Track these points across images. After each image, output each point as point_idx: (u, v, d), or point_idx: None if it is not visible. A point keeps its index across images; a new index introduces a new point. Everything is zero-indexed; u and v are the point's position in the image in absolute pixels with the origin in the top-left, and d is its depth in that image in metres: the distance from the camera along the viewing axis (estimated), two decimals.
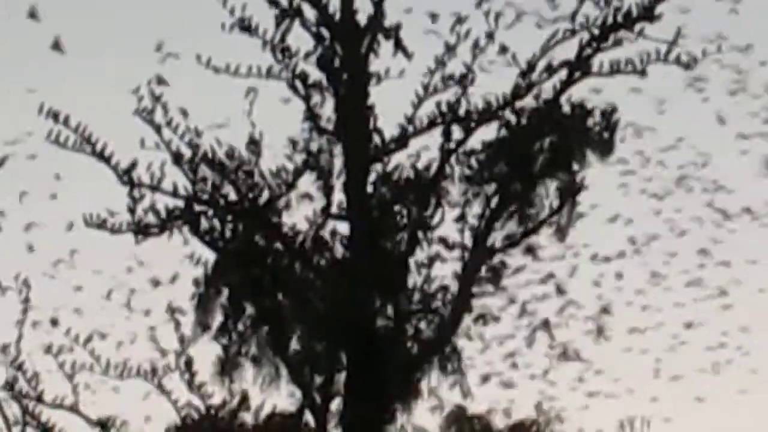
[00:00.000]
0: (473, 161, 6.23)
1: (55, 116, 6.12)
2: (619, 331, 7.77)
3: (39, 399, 6.25)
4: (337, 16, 6.22)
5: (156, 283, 7.19)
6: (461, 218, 6.23)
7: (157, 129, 6.18)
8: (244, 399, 6.35)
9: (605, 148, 6.29)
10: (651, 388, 7.71)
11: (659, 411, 6.29)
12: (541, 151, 6.23)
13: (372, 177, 6.21)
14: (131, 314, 6.97)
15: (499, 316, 6.53)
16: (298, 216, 6.26)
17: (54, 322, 6.37)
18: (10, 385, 6.20)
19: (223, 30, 6.23)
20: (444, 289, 6.22)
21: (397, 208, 6.19)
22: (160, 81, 6.16)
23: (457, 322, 6.19)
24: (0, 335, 6.25)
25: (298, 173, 6.25)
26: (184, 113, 6.07)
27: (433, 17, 6.31)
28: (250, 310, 6.21)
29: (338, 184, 6.25)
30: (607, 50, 6.18)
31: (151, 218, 6.19)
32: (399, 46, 6.25)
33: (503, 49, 6.18)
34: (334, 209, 6.23)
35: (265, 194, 6.21)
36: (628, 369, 7.90)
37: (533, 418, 6.27)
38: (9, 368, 6.24)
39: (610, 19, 6.07)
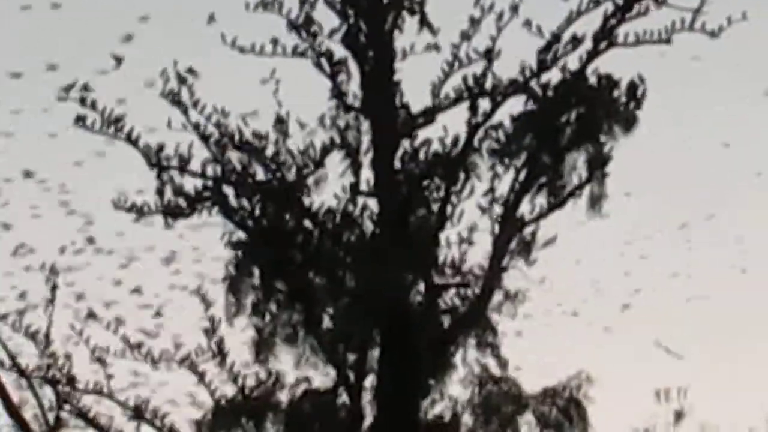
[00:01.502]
0: (501, 135, 6.23)
1: (82, 100, 6.11)
2: None
3: (72, 384, 6.24)
4: None
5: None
6: (490, 192, 6.24)
7: (184, 110, 6.18)
8: (278, 379, 6.33)
9: (630, 121, 6.29)
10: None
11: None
12: (568, 124, 6.24)
13: (400, 153, 6.20)
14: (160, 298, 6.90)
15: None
16: (327, 194, 6.25)
17: (91, 315, 6.35)
18: (44, 371, 6.19)
19: (246, 9, 6.21)
20: (473, 263, 6.25)
21: (425, 183, 6.19)
22: (191, 71, 6.14)
23: (489, 296, 6.20)
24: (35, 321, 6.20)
25: (325, 151, 6.24)
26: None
27: None
28: (281, 289, 6.21)
29: (366, 161, 6.23)
30: (632, 20, 6.18)
31: (180, 200, 6.19)
32: (424, 21, 6.24)
33: (528, 23, 6.17)
34: (362, 186, 6.23)
35: (293, 173, 6.21)
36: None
37: (564, 383, 6.26)
38: (42, 355, 6.25)
39: None
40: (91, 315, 6.32)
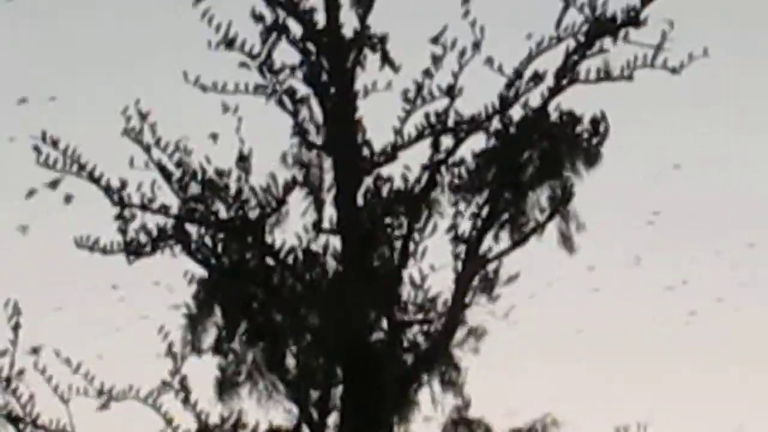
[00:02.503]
0: (463, 171, 6.23)
1: (43, 137, 6.12)
2: None
3: (35, 423, 6.21)
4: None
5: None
6: (452, 228, 6.23)
7: (146, 148, 6.17)
8: (240, 417, 6.30)
9: (593, 156, 6.30)
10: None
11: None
12: (530, 160, 6.24)
13: (362, 190, 6.20)
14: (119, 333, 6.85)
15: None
16: (289, 232, 6.24)
17: (35, 350, 6.28)
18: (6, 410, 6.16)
19: (209, 47, 6.22)
20: (436, 300, 6.24)
21: (388, 220, 6.19)
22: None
23: (452, 333, 6.18)
24: None
25: (288, 188, 6.24)
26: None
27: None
28: (244, 327, 6.20)
29: (329, 198, 6.23)
30: (594, 57, 6.19)
31: (142, 238, 6.18)
32: (386, 58, 6.25)
33: (489, 60, 6.17)
34: (325, 224, 6.22)
35: (256, 211, 6.21)
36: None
37: (531, 425, 6.24)
38: (3, 393, 6.21)
39: (594, 26, 6.10)
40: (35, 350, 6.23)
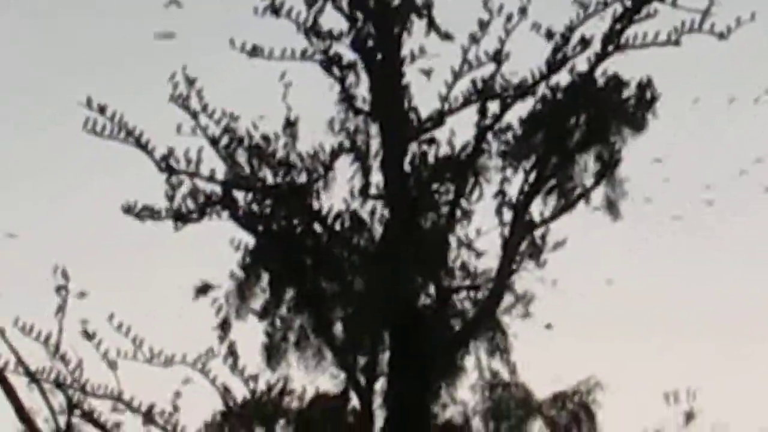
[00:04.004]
0: (510, 137, 6.22)
1: (89, 104, 6.14)
2: None
3: (83, 390, 6.23)
4: None
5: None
6: (499, 194, 6.23)
7: (194, 115, 6.18)
8: (287, 384, 6.31)
9: (640, 122, 6.28)
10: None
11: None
12: (577, 126, 6.23)
13: (409, 156, 6.20)
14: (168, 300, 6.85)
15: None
16: (336, 197, 6.25)
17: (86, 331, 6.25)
18: (55, 375, 6.18)
19: (255, 14, 6.22)
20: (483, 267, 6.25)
21: (435, 186, 6.19)
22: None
23: (499, 299, 6.19)
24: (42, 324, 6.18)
25: (335, 154, 6.25)
26: None
27: None
28: (291, 293, 6.21)
29: (376, 164, 6.23)
30: (641, 22, 6.17)
31: (189, 204, 6.20)
32: (432, 25, 6.25)
33: (536, 25, 6.16)
34: (372, 190, 6.23)
35: (303, 176, 6.22)
36: None
37: (575, 387, 6.24)
38: (52, 359, 6.24)
39: None
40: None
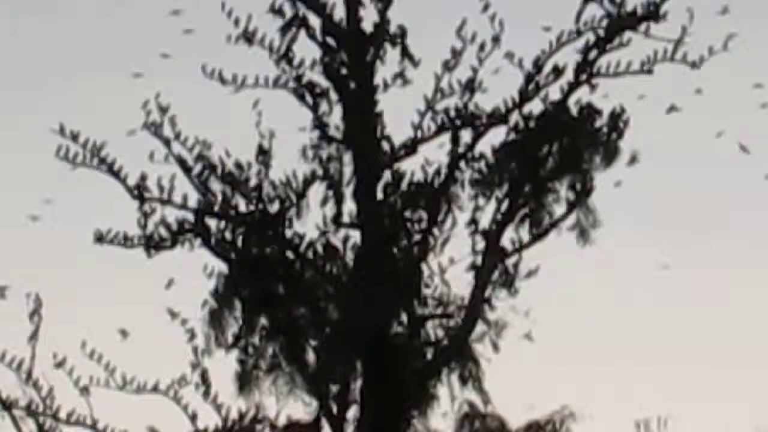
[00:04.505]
0: (482, 165, 6.23)
1: (62, 131, 6.14)
2: None
3: (55, 417, 6.23)
4: (343, 24, 6.23)
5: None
6: (472, 222, 6.24)
7: (166, 142, 6.18)
8: (259, 411, 6.31)
9: (612, 151, 6.30)
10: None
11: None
12: (550, 154, 6.25)
13: (382, 184, 6.21)
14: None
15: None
16: (309, 225, 6.26)
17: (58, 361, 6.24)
18: (27, 403, 6.18)
19: (228, 42, 6.23)
20: (456, 295, 6.26)
21: (408, 214, 6.20)
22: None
23: (471, 327, 6.19)
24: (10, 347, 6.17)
25: (307, 182, 6.25)
26: None
27: None
28: (263, 321, 6.22)
29: (349, 192, 6.24)
30: (613, 51, 6.19)
31: (162, 232, 6.20)
32: (405, 53, 6.26)
33: (509, 54, 6.17)
34: (345, 217, 6.23)
35: (276, 204, 6.22)
36: None
37: (549, 417, 6.25)
38: (23, 385, 6.23)
39: (615, 20, 6.10)
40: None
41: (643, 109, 6.48)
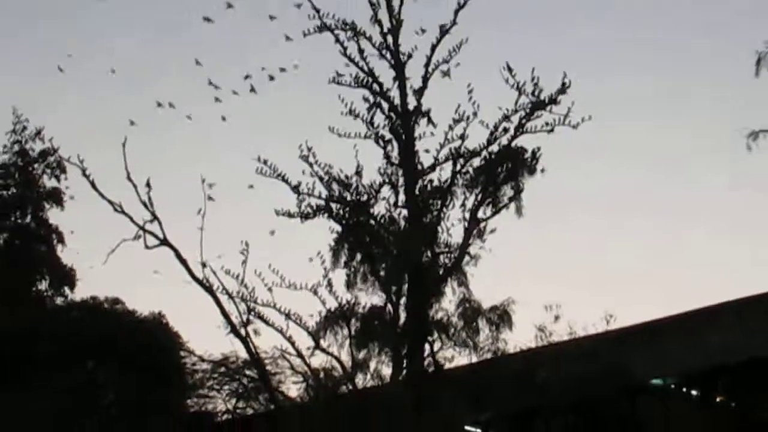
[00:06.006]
0: (468, 177, 12.51)
1: (264, 161, 12.46)
2: None
3: (255, 301, 12.50)
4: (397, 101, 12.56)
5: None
6: (463, 204, 12.54)
7: (311, 165, 12.51)
8: (356, 301, 12.61)
9: (532, 170, 12.56)
10: None
11: None
12: (502, 171, 12.50)
13: (418, 186, 12.51)
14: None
15: None
16: (380, 206, 12.62)
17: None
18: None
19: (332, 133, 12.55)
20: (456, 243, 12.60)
21: (431, 201, 12.50)
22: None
23: (462, 258, 12.48)
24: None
25: (380, 185, 12.56)
26: None
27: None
28: (359, 254, 12.55)
29: (401, 190, 12.55)
30: (536, 119, 12.43)
31: (309, 210, 12.53)
32: (429, 120, 12.55)
33: (482, 122, 12.45)
34: (399, 202, 12.56)
35: (365, 196, 12.53)
36: None
37: (501, 303, 12.57)
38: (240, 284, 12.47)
39: (535, 104, 12.32)
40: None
41: (549, 149, 12.75)
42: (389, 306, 12.53)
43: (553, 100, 12.31)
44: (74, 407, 15.35)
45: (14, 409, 14.64)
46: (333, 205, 12.58)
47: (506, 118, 12.43)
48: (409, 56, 12.65)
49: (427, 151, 12.61)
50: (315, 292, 12.55)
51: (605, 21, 28.87)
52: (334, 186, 12.57)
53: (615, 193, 27.95)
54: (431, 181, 12.57)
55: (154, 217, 12.34)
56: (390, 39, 12.65)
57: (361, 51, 12.59)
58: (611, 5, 29.62)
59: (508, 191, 12.58)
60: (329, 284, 12.54)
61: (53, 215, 21.32)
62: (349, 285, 12.57)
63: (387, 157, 12.59)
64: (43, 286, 20.87)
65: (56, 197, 21.11)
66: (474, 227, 12.52)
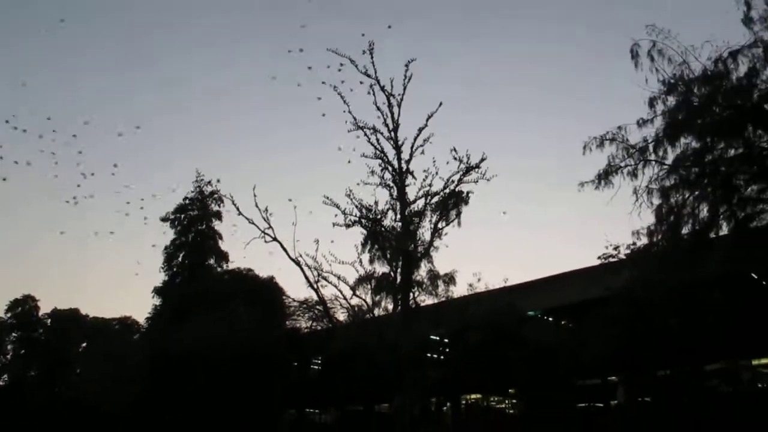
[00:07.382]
0: (433, 206, 24.05)
1: (327, 197, 23.72)
2: None
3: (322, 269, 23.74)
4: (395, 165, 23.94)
5: None
6: (431, 220, 24.10)
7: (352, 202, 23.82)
8: (375, 271, 24.04)
9: (466, 202, 24.23)
10: None
11: None
12: (451, 199, 24.03)
13: (413, 207, 24.03)
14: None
15: None
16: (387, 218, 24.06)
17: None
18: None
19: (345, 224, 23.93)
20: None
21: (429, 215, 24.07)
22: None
23: (431, 246, 24.07)
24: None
25: (385, 211, 24.00)
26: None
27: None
28: (376, 246, 24.00)
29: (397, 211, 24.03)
30: (468, 174, 23.98)
31: (350, 222, 23.87)
32: (413, 176, 24.02)
33: (442, 179, 23.97)
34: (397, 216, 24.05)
35: (380, 216, 23.93)
36: None
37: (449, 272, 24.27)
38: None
39: (464, 171, 23.85)
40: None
41: (477, 191, 24.36)
42: (392, 273, 23.93)
43: (477, 165, 23.75)
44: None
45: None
46: (362, 220, 23.80)
47: (453, 174, 23.86)
48: (403, 142, 23.94)
49: (410, 193, 23.98)
50: (353, 265, 23.94)
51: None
52: (363, 210, 23.81)
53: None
54: (414, 208, 23.90)
55: (269, 226, 23.77)
56: (393, 133, 23.93)
57: (377, 139, 23.86)
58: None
59: (453, 214, 24.05)
60: (360, 261, 23.96)
61: (217, 225, 45.51)
62: (371, 261, 24.00)
63: (390, 195, 23.88)
64: (211, 261, 44.39)
65: (218, 215, 45.52)
66: (436, 232, 23.95)
